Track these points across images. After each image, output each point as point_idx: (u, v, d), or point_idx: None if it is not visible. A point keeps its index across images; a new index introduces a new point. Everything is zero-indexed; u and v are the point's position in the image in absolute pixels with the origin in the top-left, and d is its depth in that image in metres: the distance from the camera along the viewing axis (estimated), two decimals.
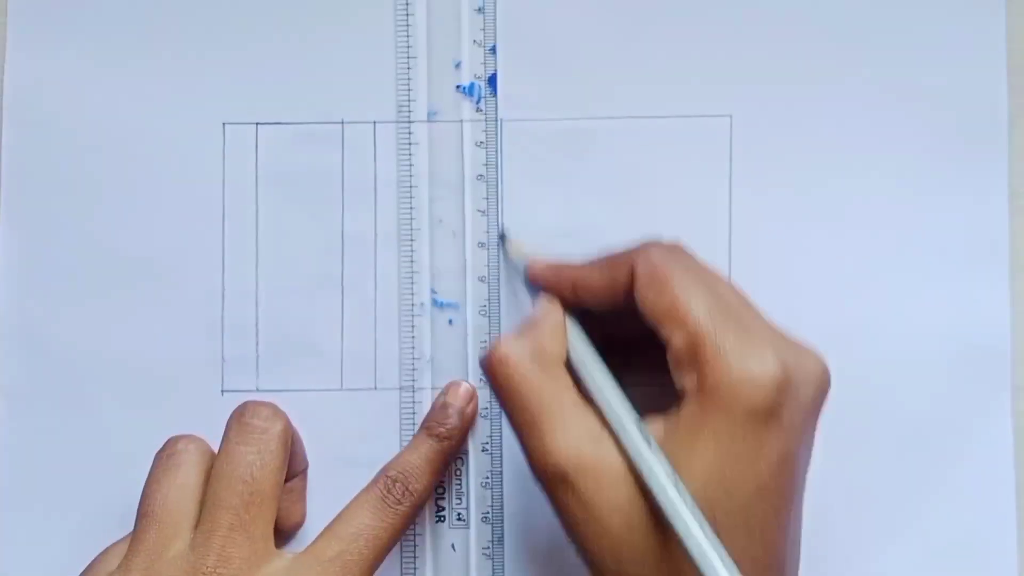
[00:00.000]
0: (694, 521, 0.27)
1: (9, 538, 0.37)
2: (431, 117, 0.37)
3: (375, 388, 0.37)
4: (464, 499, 0.37)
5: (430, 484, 0.34)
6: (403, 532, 0.33)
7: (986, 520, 0.36)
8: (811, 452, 0.30)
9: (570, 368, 0.31)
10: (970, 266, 0.37)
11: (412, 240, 0.37)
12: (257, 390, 0.37)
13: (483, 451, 0.37)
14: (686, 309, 0.29)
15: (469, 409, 0.36)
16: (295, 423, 0.35)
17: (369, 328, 0.37)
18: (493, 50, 0.37)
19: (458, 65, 0.37)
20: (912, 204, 0.37)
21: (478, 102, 0.37)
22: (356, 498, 0.33)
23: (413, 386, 0.37)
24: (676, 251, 0.31)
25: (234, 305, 0.37)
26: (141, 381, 0.37)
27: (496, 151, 0.37)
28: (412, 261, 0.37)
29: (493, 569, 0.36)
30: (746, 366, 0.28)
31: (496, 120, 0.37)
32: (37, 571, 0.37)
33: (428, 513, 0.37)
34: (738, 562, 0.27)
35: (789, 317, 0.37)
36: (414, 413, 0.37)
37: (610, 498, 0.28)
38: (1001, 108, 0.37)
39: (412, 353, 0.37)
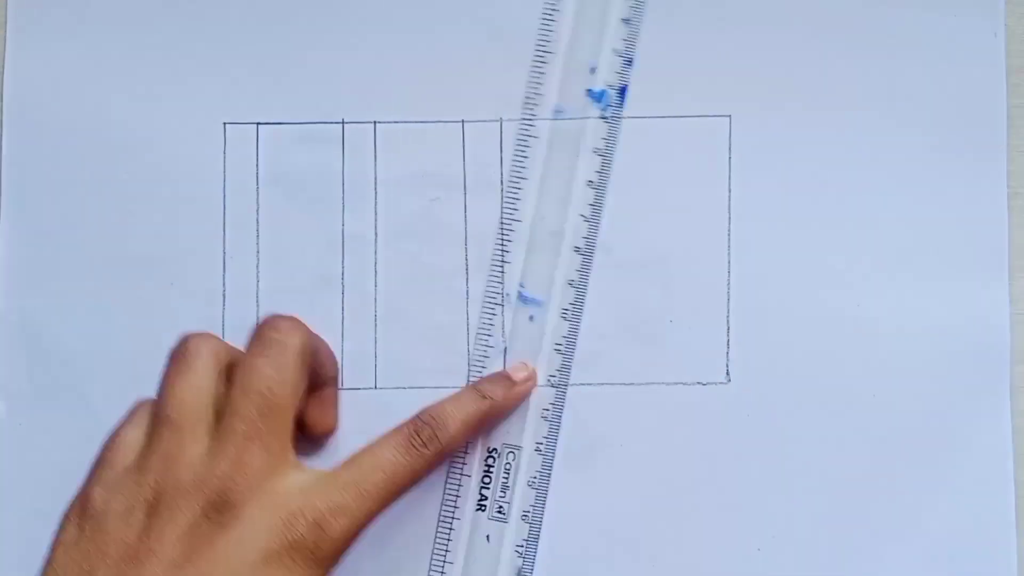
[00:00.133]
0: None
1: (9, 538, 0.37)
2: (556, 115, 0.37)
3: (375, 388, 0.37)
4: (508, 493, 0.37)
5: (459, 436, 0.34)
6: (423, 476, 0.33)
7: (986, 520, 0.36)
8: None
9: None
10: (969, 266, 0.37)
11: (512, 231, 0.37)
12: None
13: (536, 451, 0.37)
14: None
15: (524, 384, 0.36)
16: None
17: (370, 328, 0.37)
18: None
19: (593, 70, 0.37)
20: (911, 204, 0.37)
21: (605, 109, 0.37)
22: (386, 433, 0.33)
23: (482, 374, 0.37)
24: None
25: (234, 305, 0.37)
26: (141, 381, 0.37)
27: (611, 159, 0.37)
28: (504, 251, 0.37)
29: (522, 568, 0.36)
30: None
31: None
32: (37, 571, 0.37)
33: (470, 501, 0.37)
34: None
35: (789, 317, 0.37)
36: None
37: None
38: (1000, 108, 0.37)
39: (487, 340, 0.37)
